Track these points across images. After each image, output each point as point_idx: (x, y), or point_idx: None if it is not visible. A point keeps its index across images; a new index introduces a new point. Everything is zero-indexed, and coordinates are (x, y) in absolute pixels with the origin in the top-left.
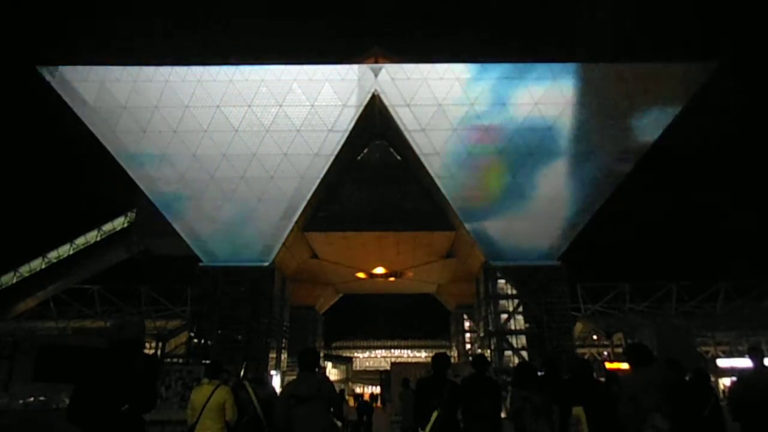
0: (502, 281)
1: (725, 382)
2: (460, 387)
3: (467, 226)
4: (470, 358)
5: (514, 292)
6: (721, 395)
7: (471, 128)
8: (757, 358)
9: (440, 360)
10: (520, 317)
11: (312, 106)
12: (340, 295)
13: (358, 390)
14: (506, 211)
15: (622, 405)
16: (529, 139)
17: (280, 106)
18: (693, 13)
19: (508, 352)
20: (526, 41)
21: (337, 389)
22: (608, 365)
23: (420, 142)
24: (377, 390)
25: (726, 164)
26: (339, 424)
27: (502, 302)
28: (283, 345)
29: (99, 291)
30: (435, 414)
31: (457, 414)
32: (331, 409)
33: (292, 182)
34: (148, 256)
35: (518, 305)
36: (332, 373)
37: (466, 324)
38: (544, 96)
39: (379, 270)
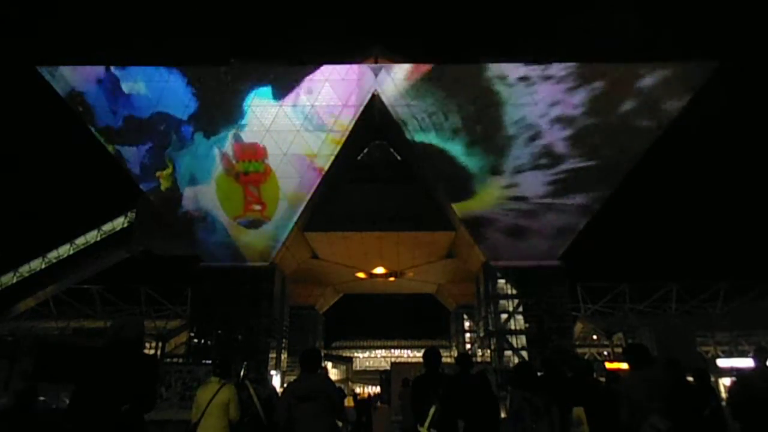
0: (502, 281)
1: (725, 382)
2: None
3: (467, 226)
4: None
5: (514, 292)
6: (722, 395)
7: (470, 128)
8: (760, 359)
9: (432, 355)
10: (520, 317)
11: (312, 106)
12: (340, 295)
13: (358, 390)
14: (506, 211)
15: (622, 405)
16: (528, 139)
17: (280, 106)
18: (693, 13)
19: (508, 352)
20: (526, 41)
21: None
22: (608, 365)
23: (420, 142)
24: (377, 390)
25: (726, 164)
26: (340, 424)
27: (502, 302)
28: (283, 345)
29: (99, 291)
30: (432, 409)
31: (455, 409)
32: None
33: (292, 182)
34: (148, 256)
35: (518, 305)
36: (332, 373)
37: (466, 324)
38: (543, 96)
39: (379, 270)
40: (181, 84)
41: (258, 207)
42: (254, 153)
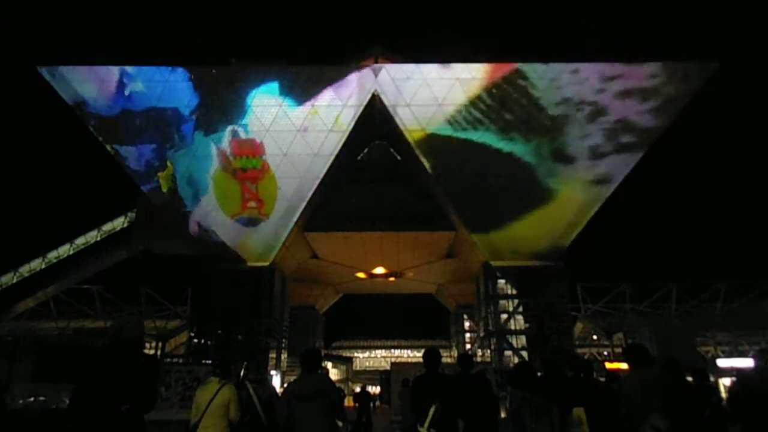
0: (502, 281)
1: (725, 382)
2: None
3: (467, 226)
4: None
5: (514, 292)
6: (722, 395)
7: (471, 128)
8: (761, 359)
9: (432, 355)
10: (520, 317)
11: (312, 106)
12: (340, 295)
13: (358, 390)
14: (506, 211)
15: (622, 405)
16: (528, 139)
17: (280, 106)
18: (693, 13)
19: (508, 352)
20: (526, 41)
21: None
22: (608, 365)
23: (420, 142)
24: (377, 390)
25: (726, 164)
26: (340, 424)
27: (502, 302)
28: (283, 345)
29: (99, 291)
30: (432, 409)
31: (455, 409)
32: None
33: (292, 182)
34: (148, 256)
35: (518, 305)
36: (332, 373)
37: (466, 324)
38: (543, 96)
39: (379, 270)
40: (183, 84)
41: (254, 204)
42: (252, 149)
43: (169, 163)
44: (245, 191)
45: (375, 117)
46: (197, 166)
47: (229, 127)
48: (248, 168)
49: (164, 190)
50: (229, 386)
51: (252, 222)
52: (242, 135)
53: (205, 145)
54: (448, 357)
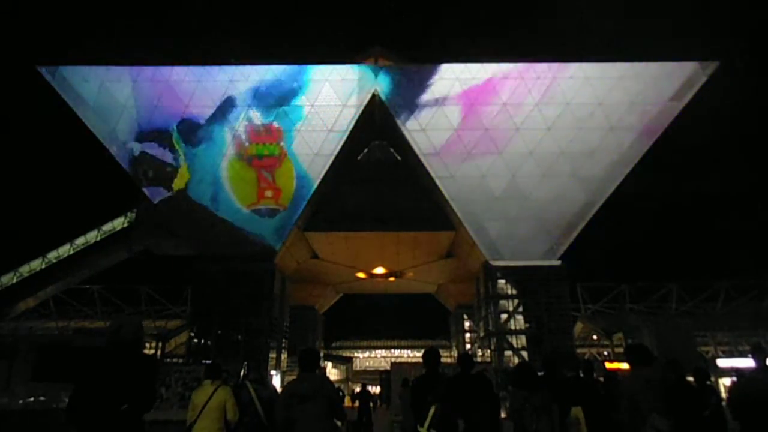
0: (502, 281)
1: (725, 382)
2: (449, 386)
3: (467, 226)
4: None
5: (514, 292)
6: (722, 395)
7: (471, 128)
8: (759, 358)
9: (431, 355)
10: (520, 317)
11: (312, 106)
12: (340, 295)
13: (358, 390)
14: (506, 211)
15: (622, 405)
16: (529, 139)
17: (281, 106)
18: (693, 13)
19: (508, 352)
20: (526, 41)
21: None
22: (608, 365)
23: (420, 142)
24: (377, 390)
25: (726, 164)
26: (339, 424)
27: (502, 302)
28: (283, 345)
29: (99, 291)
30: (432, 409)
31: (455, 409)
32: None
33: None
34: (148, 256)
35: (518, 305)
36: (332, 373)
37: (466, 324)
38: (543, 96)
39: (379, 270)
40: (185, 84)
41: (271, 194)
42: (269, 135)
43: (183, 162)
44: (261, 180)
45: (375, 117)
46: (209, 162)
47: (243, 113)
48: (264, 155)
49: (174, 188)
50: (225, 388)
51: (268, 213)
52: (257, 121)
53: (220, 138)
54: (448, 357)
